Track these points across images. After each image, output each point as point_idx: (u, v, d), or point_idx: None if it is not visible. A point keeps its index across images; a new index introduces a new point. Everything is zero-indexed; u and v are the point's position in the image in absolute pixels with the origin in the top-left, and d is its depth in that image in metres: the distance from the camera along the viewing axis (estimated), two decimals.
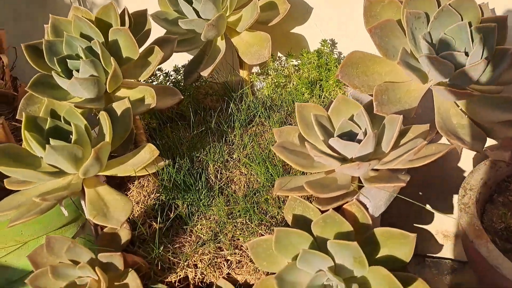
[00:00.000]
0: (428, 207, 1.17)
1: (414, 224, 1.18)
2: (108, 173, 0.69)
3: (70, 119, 0.68)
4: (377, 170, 0.65)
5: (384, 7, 0.72)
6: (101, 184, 0.70)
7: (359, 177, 0.64)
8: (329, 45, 0.96)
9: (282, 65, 1.01)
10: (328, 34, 0.99)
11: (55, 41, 0.74)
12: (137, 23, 0.80)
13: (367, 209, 0.62)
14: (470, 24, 0.68)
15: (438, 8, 0.69)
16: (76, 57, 0.75)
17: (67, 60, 0.74)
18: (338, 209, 0.61)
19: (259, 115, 0.92)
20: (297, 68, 0.98)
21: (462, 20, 0.68)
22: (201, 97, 1.00)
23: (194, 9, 0.88)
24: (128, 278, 0.66)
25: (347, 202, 0.62)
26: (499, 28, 0.66)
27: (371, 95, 0.66)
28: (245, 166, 0.82)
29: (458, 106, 0.68)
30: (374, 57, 0.70)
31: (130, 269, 0.66)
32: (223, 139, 0.87)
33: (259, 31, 0.91)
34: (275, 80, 0.96)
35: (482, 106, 0.66)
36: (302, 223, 0.65)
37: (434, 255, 1.22)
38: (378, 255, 0.61)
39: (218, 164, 0.83)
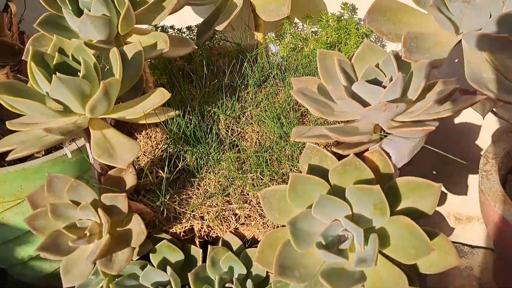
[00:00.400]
0: (443, 189, 1.13)
1: None
2: (116, 115, 0.65)
3: (79, 55, 0.65)
4: (400, 123, 0.61)
5: None
6: (108, 127, 0.66)
7: (381, 128, 0.61)
8: (349, 9, 0.93)
9: (299, 29, 0.98)
10: None
11: None
12: None
13: (390, 158, 0.58)
14: None
15: None
16: None
17: None
18: (359, 157, 0.57)
19: (274, 76, 0.88)
20: (315, 32, 0.95)
21: None
22: (214, 57, 0.96)
23: None
24: (132, 223, 0.62)
25: (368, 150, 0.58)
26: None
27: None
28: (258, 124, 0.79)
29: (488, 62, 0.64)
30: (404, 6, 0.66)
31: (134, 213, 0.62)
32: (236, 96, 0.84)
33: None
34: (292, 43, 0.92)
35: None
36: (319, 174, 0.61)
37: None
38: (399, 207, 0.57)
39: (230, 119, 0.79)
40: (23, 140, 0.63)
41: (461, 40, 0.65)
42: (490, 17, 0.60)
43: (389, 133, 0.60)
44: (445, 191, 1.13)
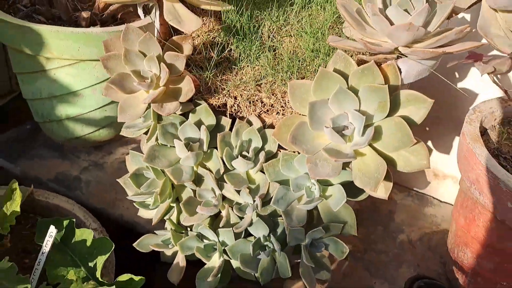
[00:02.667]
0: (429, 143, 1.29)
1: None
2: None
3: None
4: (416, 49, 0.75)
5: None
6: (177, 1, 0.80)
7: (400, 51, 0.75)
8: None
9: None
10: None
11: None
12: None
13: (400, 72, 0.73)
14: None
15: None
16: None
17: None
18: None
19: (316, 3, 1.01)
20: None
21: None
22: None
23: None
24: (183, 82, 0.77)
25: (385, 63, 0.73)
26: None
27: None
28: (295, 38, 0.92)
29: (499, 20, 0.78)
30: None
31: (187, 74, 0.77)
32: (283, 8, 0.96)
33: None
34: None
35: None
36: (341, 75, 0.76)
37: (419, 190, 1.35)
38: (397, 114, 0.72)
39: (273, 27, 0.93)
40: None
41: None
42: None
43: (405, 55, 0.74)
44: (432, 147, 1.28)
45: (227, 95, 0.83)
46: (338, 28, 0.95)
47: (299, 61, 0.88)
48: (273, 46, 0.91)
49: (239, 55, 0.88)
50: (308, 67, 0.88)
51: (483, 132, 0.95)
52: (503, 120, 0.98)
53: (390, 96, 0.72)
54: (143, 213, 0.89)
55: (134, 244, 0.87)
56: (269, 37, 0.92)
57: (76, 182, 1.21)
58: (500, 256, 0.85)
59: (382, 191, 0.73)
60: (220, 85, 0.83)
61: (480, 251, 0.89)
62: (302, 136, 0.73)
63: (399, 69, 0.72)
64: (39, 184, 1.21)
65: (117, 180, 0.92)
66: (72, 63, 1.09)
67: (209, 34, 0.89)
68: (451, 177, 1.30)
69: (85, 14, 1.11)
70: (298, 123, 0.73)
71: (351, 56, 0.80)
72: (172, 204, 0.86)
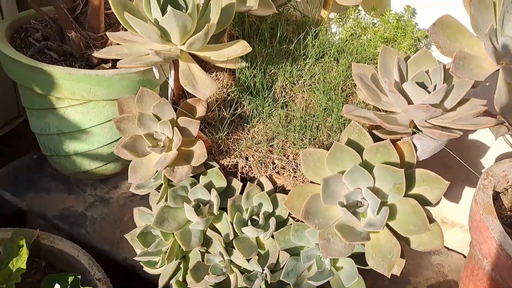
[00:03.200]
0: None
1: None
2: (204, 54, 0.78)
3: None
4: (431, 125, 0.74)
5: None
6: (193, 61, 0.79)
7: (415, 124, 0.74)
8: (411, 12, 1.03)
9: (361, 17, 1.09)
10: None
11: None
12: None
13: (416, 150, 0.71)
14: None
15: None
16: None
17: None
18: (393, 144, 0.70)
19: (329, 55, 1.00)
20: (374, 24, 1.06)
21: None
22: (282, 22, 1.08)
23: None
24: (196, 146, 0.76)
25: (401, 140, 0.71)
26: None
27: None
28: (308, 93, 0.91)
29: None
30: (461, 26, 0.77)
31: (199, 139, 0.76)
32: (295, 63, 0.96)
33: None
34: (352, 28, 1.04)
35: None
36: (354, 147, 0.75)
37: None
38: (411, 192, 0.71)
39: (286, 82, 0.92)
40: (126, 53, 0.76)
41: (499, 69, 0.77)
42: None
43: (420, 131, 0.73)
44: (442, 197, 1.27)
45: (238, 156, 0.82)
46: (351, 83, 0.94)
47: (312, 120, 0.87)
48: (286, 102, 0.90)
49: (252, 111, 0.87)
50: (320, 127, 0.86)
51: (496, 196, 0.93)
52: None
53: (405, 173, 0.70)
54: (149, 270, 0.88)
55: None
56: (281, 93, 0.91)
57: (81, 219, 1.20)
58: None
59: (395, 269, 0.71)
60: (232, 146, 0.82)
61: None
62: (315, 209, 0.72)
63: (415, 147, 0.71)
64: (44, 220, 1.20)
65: (124, 236, 0.91)
66: (82, 103, 1.08)
67: (222, 90, 0.88)
68: (459, 226, 1.28)
69: (97, 54, 1.10)
70: (311, 196, 0.72)
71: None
72: (179, 264, 0.85)
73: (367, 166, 0.71)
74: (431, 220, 0.71)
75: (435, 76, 0.72)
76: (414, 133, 0.73)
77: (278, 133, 0.85)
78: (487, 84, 0.99)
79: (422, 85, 0.73)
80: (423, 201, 0.71)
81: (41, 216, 1.20)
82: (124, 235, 0.91)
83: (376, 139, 0.74)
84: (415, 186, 0.71)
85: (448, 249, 1.31)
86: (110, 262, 1.11)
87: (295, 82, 0.93)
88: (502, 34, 0.74)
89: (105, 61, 1.14)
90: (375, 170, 0.69)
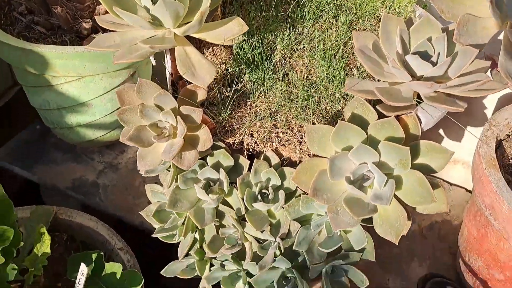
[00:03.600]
0: (440, 131, 1.29)
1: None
2: (199, 35, 0.75)
3: None
4: (436, 91, 0.74)
5: None
6: (189, 44, 0.77)
7: (418, 94, 0.73)
8: None
9: None
10: None
11: None
12: None
13: (420, 122, 0.72)
14: None
15: None
16: None
17: None
18: (396, 117, 0.71)
19: (328, 13, 0.97)
20: None
21: None
22: None
23: None
24: (201, 131, 0.76)
25: (405, 114, 0.72)
26: None
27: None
28: (308, 59, 0.90)
29: None
30: None
31: (204, 125, 0.76)
32: (293, 27, 0.93)
33: None
34: None
35: None
36: (359, 121, 0.75)
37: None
38: (417, 161, 0.73)
39: (285, 51, 0.90)
40: (117, 43, 0.74)
41: (503, 30, 0.75)
42: None
43: (423, 101, 0.73)
44: (443, 135, 1.29)
45: (243, 134, 0.83)
46: (352, 44, 0.92)
47: (314, 90, 0.86)
48: (286, 71, 0.88)
49: (253, 85, 0.86)
50: (322, 95, 0.86)
51: (498, 144, 0.95)
52: None
53: (409, 144, 0.72)
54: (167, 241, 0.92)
55: (162, 272, 0.91)
56: (281, 62, 0.89)
57: (94, 188, 1.23)
58: (511, 271, 0.89)
59: (402, 232, 0.75)
60: (236, 125, 0.83)
61: (492, 263, 0.93)
62: (323, 185, 0.74)
63: (419, 119, 0.71)
64: (57, 193, 1.23)
65: (140, 213, 0.94)
66: (79, 78, 1.07)
67: (220, 66, 0.86)
68: (461, 162, 1.32)
69: (86, 25, 1.06)
70: (318, 173, 0.73)
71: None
72: (195, 236, 0.89)
73: (372, 141, 0.72)
74: (435, 186, 0.73)
75: (438, 45, 0.71)
76: (418, 103, 0.73)
77: (280, 105, 0.85)
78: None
79: (426, 55, 0.72)
80: (428, 170, 0.73)
81: (54, 189, 1.23)
82: (140, 212, 0.94)
83: (382, 114, 0.74)
84: (420, 156, 0.72)
85: (451, 184, 1.36)
86: (126, 228, 1.16)
87: (295, 49, 0.91)
88: None
89: (95, 31, 1.10)
90: (381, 146, 0.70)
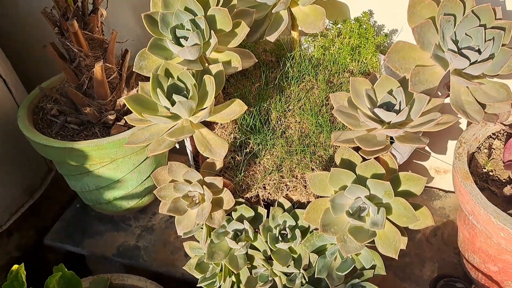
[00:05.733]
0: (426, 148, 1.46)
1: (414, 160, 1.48)
2: (209, 119, 0.95)
3: (184, 79, 0.93)
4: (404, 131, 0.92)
5: (423, 6, 0.94)
6: (202, 127, 0.96)
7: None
8: (368, 16, 1.18)
9: (327, 29, 1.23)
10: (368, 4, 1.20)
11: (167, 13, 0.95)
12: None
13: (396, 158, 0.90)
14: (485, 26, 0.91)
15: (464, 8, 0.93)
16: (181, 26, 0.97)
17: (176, 29, 0.96)
18: (376, 157, 0.89)
19: (308, 74, 1.16)
20: (339, 33, 1.20)
21: (480, 21, 0.91)
22: (260, 53, 1.23)
23: None
24: (224, 194, 0.95)
25: (382, 154, 0.90)
26: (507, 29, 0.90)
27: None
28: (299, 117, 1.09)
29: (467, 88, 0.93)
30: (412, 45, 0.94)
31: (225, 188, 0.94)
32: (282, 92, 1.12)
33: (315, 5, 1.11)
34: (322, 44, 1.19)
35: (484, 90, 0.92)
36: (348, 164, 0.94)
37: (426, 185, 1.54)
38: (400, 189, 0.91)
39: (279, 113, 1.09)
40: (147, 138, 0.93)
41: (449, 71, 0.93)
42: (470, 63, 0.89)
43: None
44: (429, 151, 1.46)
45: (257, 188, 1.01)
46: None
47: (308, 140, 1.05)
48: (283, 129, 1.07)
49: (258, 146, 1.05)
50: (316, 144, 1.04)
51: (471, 157, 1.12)
52: (485, 140, 1.15)
53: (390, 177, 0.89)
54: None
55: None
56: (278, 122, 1.08)
57: (136, 250, 1.41)
58: (502, 263, 1.05)
59: (401, 246, 0.92)
60: (250, 182, 1.01)
61: (486, 258, 1.09)
62: (329, 221, 0.91)
63: (394, 156, 0.89)
64: (106, 260, 1.41)
65: (183, 268, 1.12)
66: (112, 161, 1.26)
67: (229, 136, 1.06)
68: (451, 171, 1.48)
69: (111, 117, 1.27)
70: (324, 212, 0.91)
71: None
72: (233, 279, 1.06)
73: (361, 179, 0.90)
74: (418, 207, 0.90)
75: (398, 96, 0.89)
76: (392, 142, 0.92)
77: (283, 159, 1.03)
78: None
79: (390, 104, 0.90)
80: (410, 195, 0.90)
81: (103, 258, 1.41)
82: (183, 267, 1.11)
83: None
84: (402, 185, 0.90)
85: (446, 191, 1.52)
86: (169, 281, 1.34)
87: (287, 110, 1.10)
88: (445, 46, 0.90)
89: (118, 119, 1.30)
90: (368, 183, 0.88)
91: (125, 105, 1.30)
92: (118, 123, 1.29)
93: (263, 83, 1.14)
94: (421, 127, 0.87)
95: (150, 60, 1.01)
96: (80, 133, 1.28)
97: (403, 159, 0.91)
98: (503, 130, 1.18)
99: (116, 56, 1.33)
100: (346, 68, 1.16)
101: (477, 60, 0.90)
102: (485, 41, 0.90)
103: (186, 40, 0.96)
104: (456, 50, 0.90)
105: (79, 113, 1.31)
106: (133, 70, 1.00)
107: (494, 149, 1.14)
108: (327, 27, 1.24)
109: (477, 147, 1.15)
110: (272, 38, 1.11)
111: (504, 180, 1.08)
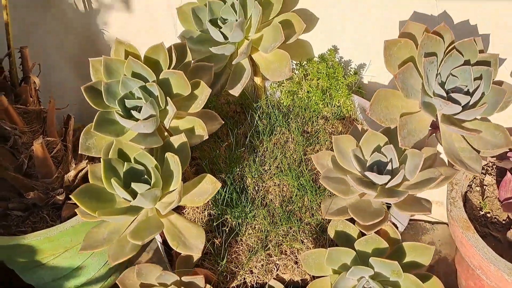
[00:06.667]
0: None
1: None
2: (180, 204, 0.81)
3: (142, 160, 0.78)
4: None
5: (400, 47, 0.86)
6: (172, 213, 0.82)
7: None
8: (334, 53, 1.08)
9: (292, 70, 1.12)
10: (331, 40, 1.10)
11: (112, 82, 0.81)
12: (179, 56, 0.88)
13: (397, 227, 0.79)
14: (469, 62, 0.83)
15: (445, 45, 0.84)
16: (131, 95, 0.83)
17: (124, 99, 0.82)
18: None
19: (280, 124, 1.04)
20: (306, 74, 1.10)
21: (464, 57, 0.83)
22: (223, 105, 1.10)
23: (222, 33, 0.96)
24: None
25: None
26: (492, 63, 0.83)
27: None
28: (277, 178, 0.96)
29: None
30: (394, 92, 0.84)
31: (208, 285, 0.80)
32: (254, 151, 1.00)
33: (278, 49, 1.00)
34: (289, 89, 1.08)
35: (479, 135, 0.83)
36: (343, 237, 0.82)
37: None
38: (405, 261, 0.80)
39: (255, 178, 0.96)
40: (105, 238, 0.78)
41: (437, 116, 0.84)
42: (461, 108, 0.80)
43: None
44: None
45: (243, 274, 0.88)
46: (310, 149, 1.00)
47: (291, 210, 0.92)
48: (262, 195, 0.95)
49: (237, 221, 0.92)
50: (302, 210, 0.93)
51: (464, 199, 1.04)
52: (475, 176, 1.07)
53: (393, 249, 0.79)
54: None
55: None
56: (255, 188, 0.96)
57: None
58: None
59: None
60: (234, 268, 0.88)
61: None
62: None
63: (395, 225, 0.79)
64: None
65: None
66: (68, 250, 1.09)
67: (203, 213, 0.92)
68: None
69: (60, 197, 1.10)
70: None
71: None
72: None
73: (362, 255, 0.79)
74: (427, 277, 0.80)
75: (388, 153, 0.79)
76: (388, 207, 0.81)
77: (267, 231, 0.91)
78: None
79: (380, 164, 0.80)
80: (417, 266, 0.80)
81: None
82: None
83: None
84: (407, 256, 0.80)
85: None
86: None
87: (263, 173, 0.98)
88: (430, 89, 0.82)
89: (69, 197, 1.13)
90: (371, 261, 0.76)
91: (75, 177, 1.13)
92: (69, 201, 1.12)
93: (232, 143, 1.01)
94: (420, 188, 0.77)
95: (98, 137, 0.86)
96: (26, 220, 1.11)
97: (404, 226, 0.81)
98: (491, 162, 1.11)
99: (59, 123, 1.17)
100: (320, 114, 1.06)
101: (468, 103, 0.81)
102: (473, 80, 0.82)
103: (139, 112, 0.82)
104: (445, 94, 0.81)
105: (23, 197, 1.13)
106: (79, 152, 0.85)
107: (486, 185, 1.06)
108: (292, 67, 1.14)
109: (468, 185, 1.06)
110: (235, 91, 0.99)
111: (503, 221, 1.00)
